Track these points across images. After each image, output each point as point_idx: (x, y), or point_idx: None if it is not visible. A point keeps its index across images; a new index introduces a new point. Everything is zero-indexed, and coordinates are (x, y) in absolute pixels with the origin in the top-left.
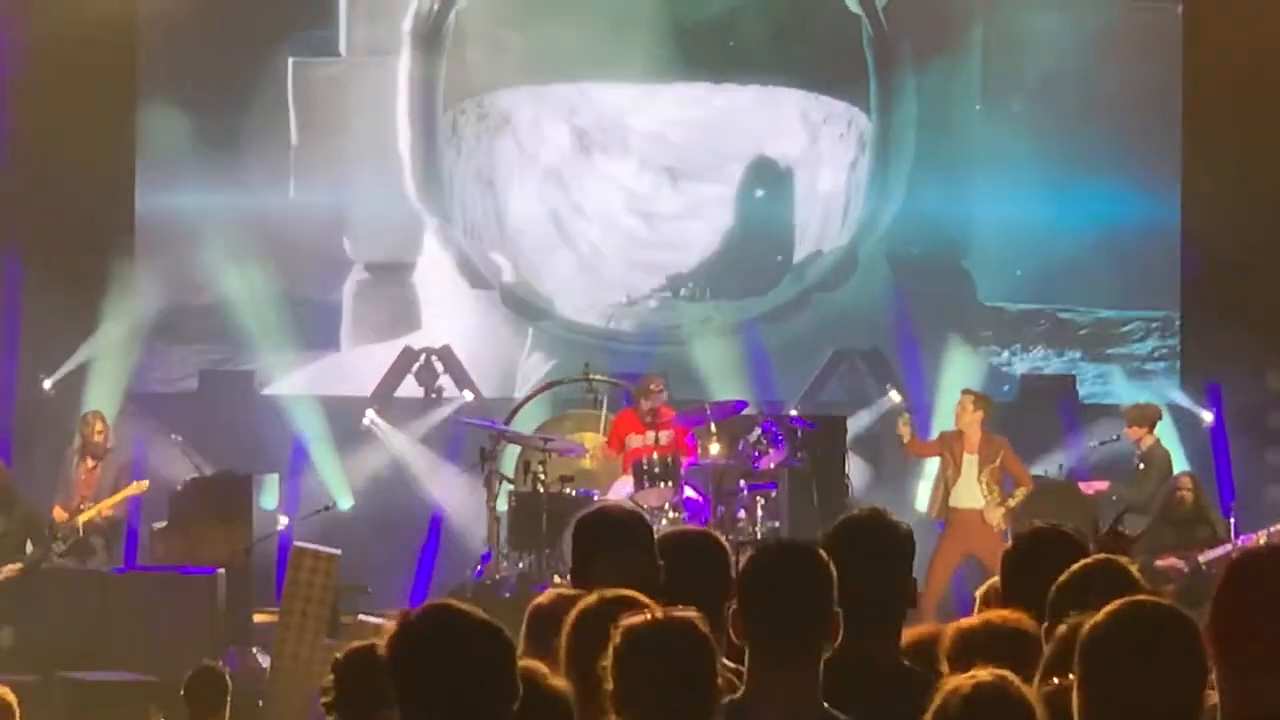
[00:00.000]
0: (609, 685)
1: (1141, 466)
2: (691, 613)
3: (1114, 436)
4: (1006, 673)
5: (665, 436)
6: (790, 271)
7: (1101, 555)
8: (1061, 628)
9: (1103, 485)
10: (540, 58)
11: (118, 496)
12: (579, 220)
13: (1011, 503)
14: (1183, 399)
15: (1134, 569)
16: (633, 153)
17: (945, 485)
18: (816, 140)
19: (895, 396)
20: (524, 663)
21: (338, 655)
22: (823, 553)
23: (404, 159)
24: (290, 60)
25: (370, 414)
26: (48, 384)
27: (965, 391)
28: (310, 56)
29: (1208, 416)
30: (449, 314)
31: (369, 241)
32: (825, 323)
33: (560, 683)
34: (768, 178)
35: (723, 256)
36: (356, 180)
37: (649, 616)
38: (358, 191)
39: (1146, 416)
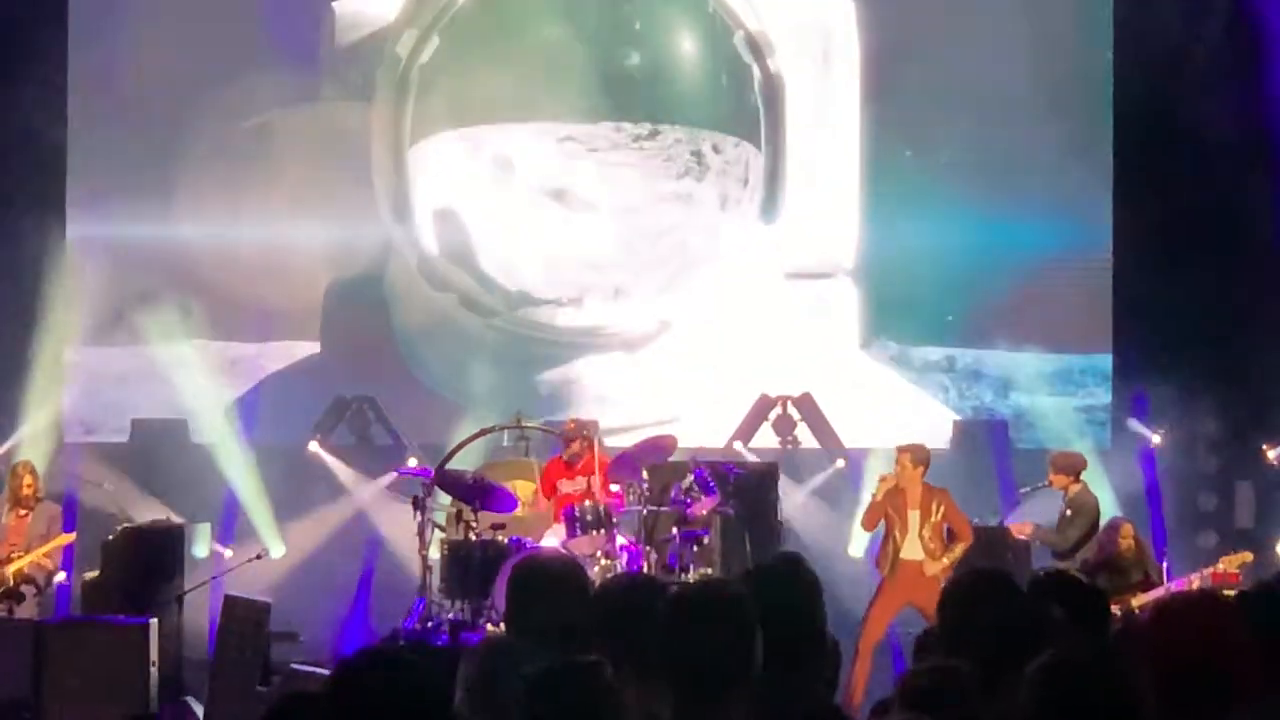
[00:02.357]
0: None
1: (1069, 513)
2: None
3: (1041, 483)
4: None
5: (596, 482)
6: (697, 278)
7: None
8: None
9: (1028, 529)
10: (490, 101)
11: (46, 547)
12: (523, 237)
13: (948, 559)
14: (1133, 423)
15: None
16: (568, 180)
17: (895, 543)
18: (723, 173)
19: (840, 463)
20: None
21: (268, 705)
22: (737, 588)
23: (376, 187)
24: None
25: (314, 444)
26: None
27: (901, 450)
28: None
29: (1155, 437)
30: (414, 310)
31: (340, 258)
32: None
33: None
34: (679, 202)
35: (642, 266)
36: (322, 211)
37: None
38: (328, 217)
39: (1071, 465)
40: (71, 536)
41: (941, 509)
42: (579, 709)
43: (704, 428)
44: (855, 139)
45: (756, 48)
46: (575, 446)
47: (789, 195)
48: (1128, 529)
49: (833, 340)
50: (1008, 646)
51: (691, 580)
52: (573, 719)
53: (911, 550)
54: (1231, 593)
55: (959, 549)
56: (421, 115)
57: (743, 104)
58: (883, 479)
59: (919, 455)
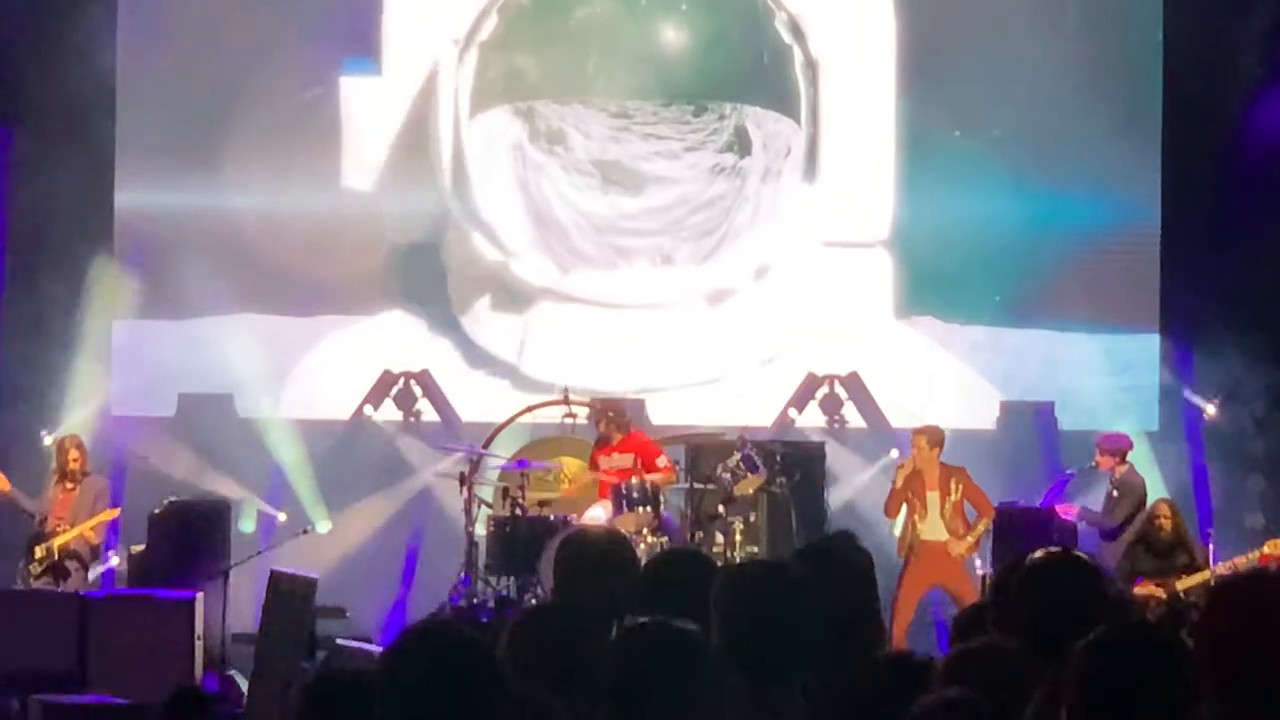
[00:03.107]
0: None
1: (1115, 494)
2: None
3: (1088, 464)
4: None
5: (638, 461)
6: (740, 245)
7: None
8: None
9: (1075, 510)
10: (545, 77)
11: (91, 522)
12: (576, 207)
13: (971, 537)
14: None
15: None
16: (618, 152)
17: (914, 524)
18: (765, 147)
19: (894, 453)
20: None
21: (308, 680)
22: (797, 572)
23: (434, 158)
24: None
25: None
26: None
27: (917, 432)
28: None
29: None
30: (469, 279)
31: (394, 230)
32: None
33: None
34: (723, 174)
35: (688, 235)
36: (376, 182)
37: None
38: (381, 189)
39: (1116, 446)
40: (116, 512)
41: (960, 487)
42: (674, 671)
43: (748, 392)
44: (895, 117)
45: (797, 29)
46: (601, 427)
47: (830, 171)
48: (1163, 508)
49: (877, 319)
50: (1065, 626)
51: (737, 559)
52: (667, 681)
53: (933, 531)
54: None
55: (981, 525)
56: (480, 90)
57: (784, 82)
58: (901, 466)
59: (934, 436)
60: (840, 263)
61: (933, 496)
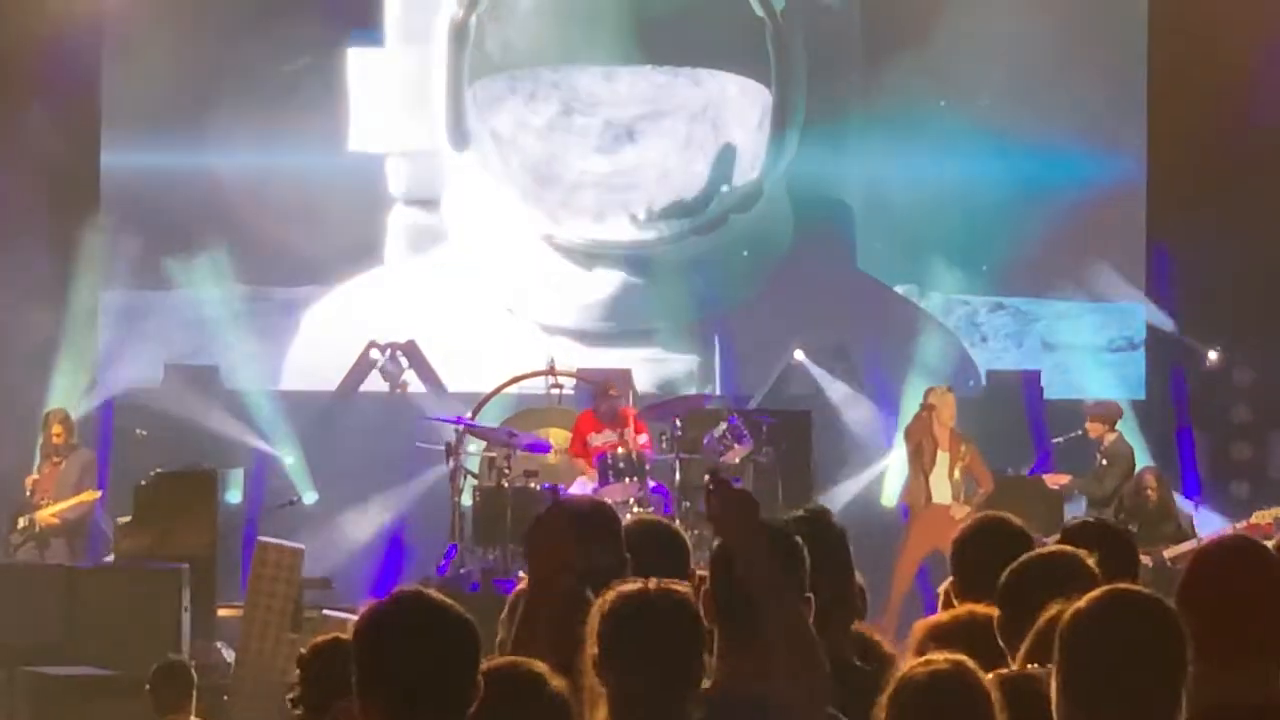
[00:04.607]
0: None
1: (1104, 463)
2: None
3: (1076, 432)
4: (963, 658)
5: (630, 432)
6: (715, 199)
7: (1057, 547)
8: (1043, 617)
9: (1064, 479)
10: (537, 46)
11: (70, 502)
12: (566, 164)
13: (971, 504)
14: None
15: (1091, 560)
16: (603, 115)
17: (923, 473)
18: (740, 109)
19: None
20: (527, 664)
21: (303, 650)
22: (796, 537)
23: (442, 119)
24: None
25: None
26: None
27: (949, 390)
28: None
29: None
30: (466, 239)
31: (404, 180)
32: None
33: (560, 683)
34: (700, 134)
35: (667, 190)
36: (370, 149)
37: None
38: (376, 155)
39: (1107, 414)
40: (96, 494)
41: (968, 455)
42: (665, 637)
43: (735, 358)
44: (878, 86)
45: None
46: (607, 403)
47: (801, 136)
48: (1150, 478)
49: (863, 286)
50: (1021, 592)
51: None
52: (659, 645)
53: (939, 494)
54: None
55: (981, 494)
56: (478, 58)
57: (756, 50)
58: (932, 406)
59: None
60: (817, 228)
61: (943, 457)
